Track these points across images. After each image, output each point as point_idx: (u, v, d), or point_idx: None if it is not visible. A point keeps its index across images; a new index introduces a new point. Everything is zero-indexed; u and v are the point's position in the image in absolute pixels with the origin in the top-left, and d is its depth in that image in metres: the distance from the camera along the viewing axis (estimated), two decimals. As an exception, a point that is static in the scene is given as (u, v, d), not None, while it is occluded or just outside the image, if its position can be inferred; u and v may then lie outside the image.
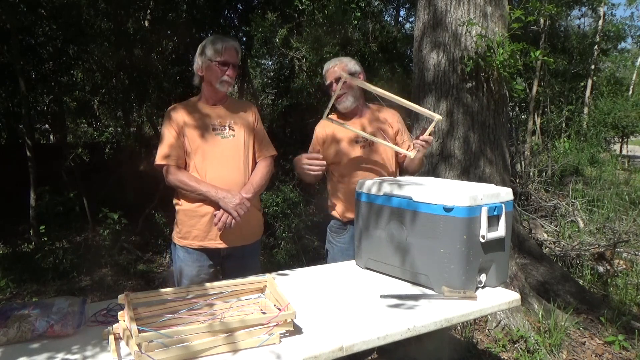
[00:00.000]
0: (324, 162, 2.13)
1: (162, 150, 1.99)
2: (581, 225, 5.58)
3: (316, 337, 1.32)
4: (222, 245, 2.00)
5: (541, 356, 2.79)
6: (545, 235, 5.17)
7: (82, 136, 8.71)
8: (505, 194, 1.75)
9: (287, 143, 5.72)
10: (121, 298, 1.37)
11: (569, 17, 13.85)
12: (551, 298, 3.34)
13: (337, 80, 2.21)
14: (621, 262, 4.47)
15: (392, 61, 6.46)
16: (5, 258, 4.79)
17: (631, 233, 5.11)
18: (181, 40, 6.27)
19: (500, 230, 1.70)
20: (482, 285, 1.72)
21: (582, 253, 4.42)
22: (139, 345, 1.14)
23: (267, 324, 1.26)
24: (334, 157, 2.33)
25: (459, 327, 3.02)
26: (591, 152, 10.52)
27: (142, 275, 4.48)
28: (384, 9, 8.19)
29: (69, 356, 1.21)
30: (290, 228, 4.69)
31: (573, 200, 6.21)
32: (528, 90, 9.49)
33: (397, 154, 2.32)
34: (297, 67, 6.22)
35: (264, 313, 1.39)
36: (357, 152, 2.30)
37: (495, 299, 1.65)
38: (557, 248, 4.63)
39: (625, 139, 15.54)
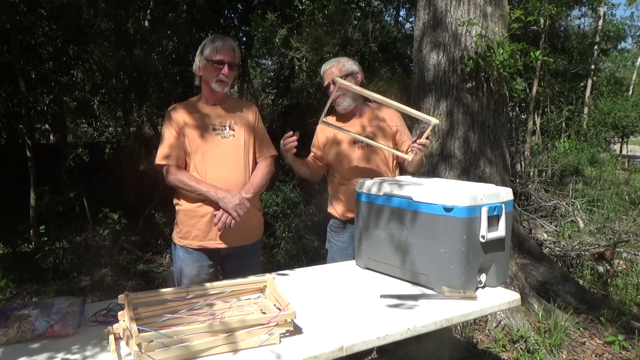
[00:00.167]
0: (295, 139, 2.09)
1: (162, 150, 1.99)
2: (581, 225, 5.58)
3: (316, 337, 1.32)
4: (222, 245, 2.00)
5: (541, 356, 2.79)
6: (545, 235, 5.17)
7: (82, 136, 8.71)
8: (505, 194, 1.75)
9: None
10: (121, 298, 1.37)
11: (569, 17, 13.86)
12: (551, 298, 3.34)
13: (335, 81, 2.21)
14: (621, 262, 4.47)
15: (392, 61, 6.46)
16: (5, 258, 4.79)
17: (631, 233, 5.11)
18: (181, 40, 6.28)
19: (500, 230, 1.70)
20: (482, 285, 1.72)
21: (582, 253, 4.41)
22: (139, 345, 1.14)
23: (267, 324, 1.26)
24: (335, 159, 2.34)
25: (459, 327, 3.01)
26: (591, 152, 10.52)
27: (142, 275, 4.48)
28: (384, 9, 8.19)
29: (69, 356, 1.21)
30: (290, 228, 4.69)
31: (573, 200, 6.22)
32: (528, 90, 9.49)
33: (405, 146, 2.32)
34: (297, 67, 6.22)
35: (264, 313, 1.39)
36: (357, 153, 2.30)
37: (495, 299, 1.65)
38: (557, 248, 4.63)
39: (625, 139, 15.54)
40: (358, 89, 2.11)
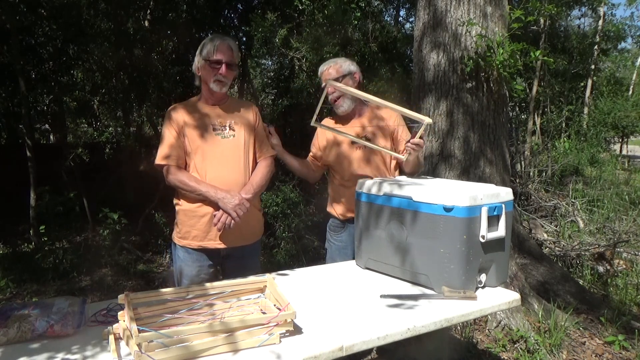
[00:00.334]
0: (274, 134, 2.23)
1: (162, 150, 1.99)
2: (581, 225, 5.58)
3: (316, 337, 1.32)
4: (222, 246, 2.00)
5: (541, 356, 2.79)
6: (545, 235, 5.17)
7: (82, 136, 8.72)
8: (505, 194, 1.75)
9: (287, 143, 5.70)
10: (121, 298, 1.37)
11: (569, 17, 13.86)
12: (551, 298, 3.34)
13: (328, 83, 2.22)
14: (621, 262, 4.47)
15: (392, 61, 6.46)
16: (5, 258, 4.79)
17: (631, 233, 5.11)
18: (181, 40, 6.28)
19: (500, 230, 1.70)
20: (482, 285, 1.72)
21: (582, 253, 4.41)
22: (139, 345, 1.14)
23: (267, 324, 1.26)
24: (335, 160, 2.34)
25: (459, 327, 3.01)
26: (591, 152, 10.52)
27: (142, 275, 4.48)
28: (384, 9, 8.19)
29: (69, 356, 1.21)
30: (290, 228, 4.69)
31: (573, 200, 6.22)
32: (528, 90, 9.49)
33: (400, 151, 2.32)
34: (297, 67, 6.22)
35: (264, 313, 1.39)
36: (356, 153, 2.30)
37: (495, 299, 1.65)
38: (557, 248, 4.63)
39: (625, 139, 15.54)
40: (351, 90, 2.11)
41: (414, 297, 1.61)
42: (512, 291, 1.76)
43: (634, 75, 20.17)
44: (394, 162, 2.35)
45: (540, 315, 3.12)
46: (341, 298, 1.64)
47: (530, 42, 4.20)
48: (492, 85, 3.21)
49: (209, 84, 2.00)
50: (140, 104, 6.20)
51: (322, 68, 2.34)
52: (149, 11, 6.15)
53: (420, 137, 2.06)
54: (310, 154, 2.48)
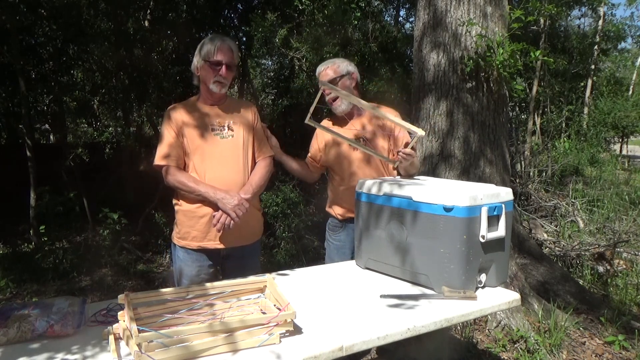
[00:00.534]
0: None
1: (161, 150, 1.98)
2: (581, 225, 5.58)
3: (316, 337, 1.32)
4: (221, 246, 2.00)
5: (541, 356, 2.79)
6: (545, 235, 5.17)
7: (82, 136, 8.72)
8: (505, 194, 1.75)
9: (287, 143, 5.71)
10: (121, 298, 1.37)
11: (569, 17, 13.85)
12: (551, 298, 3.34)
13: (330, 81, 2.22)
14: (621, 262, 4.47)
15: (392, 61, 6.45)
16: (5, 258, 4.79)
17: (631, 233, 5.11)
18: (181, 40, 6.27)
19: (500, 230, 1.70)
20: (482, 285, 1.72)
21: (582, 253, 4.41)
22: (139, 345, 1.14)
23: (267, 324, 1.26)
24: (335, 160, 2.34)
25: (459, 327, 3.01)
26: (591, 152, 10.52)
27: (142, 275, 4.48)
28: (384, 9, 8.18)
29: (69, 356, 1.21)
30: (290, 228, 4.69)
31: (573, 200, 6.22)
32: (528, 90, 9.49)
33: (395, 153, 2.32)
34: (297, 67, 6.22)
35: (264, 313, 1.39)
36: (356, 154, 2.30)
37: (495, 299, 1.65)
38: (557, 248, 4.63)
39: (625, 139, 15.54)
40: (342, 93, 2.12)
41: (414, 297, 1.61)
42: (512, 291, 1.76)
43: (634, 75, 20.17)
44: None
45: (540, 315, 3.12)
46: (341, 298, 1.64)
47: (530, 42, 4.20)
48: (492, 85, 3.21)
49: (208, 85, 1.99)
50: (140, 104, 6.20)
51: (320, 69, 2.34)
52: (149, 11, 6.15)
53: (412, 148, 2.05)
54: (309, 155, 2.48)
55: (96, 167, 5.88)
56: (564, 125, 12.05)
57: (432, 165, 3.27)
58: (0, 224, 5.52)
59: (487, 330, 3.05)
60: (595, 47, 13.82)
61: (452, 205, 1.60)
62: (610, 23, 14.79)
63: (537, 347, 2.85)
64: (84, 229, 5.44)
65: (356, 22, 5.69)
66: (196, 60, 2.02)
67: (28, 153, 5.17)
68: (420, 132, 1.94)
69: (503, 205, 1.70)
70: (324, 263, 2.34)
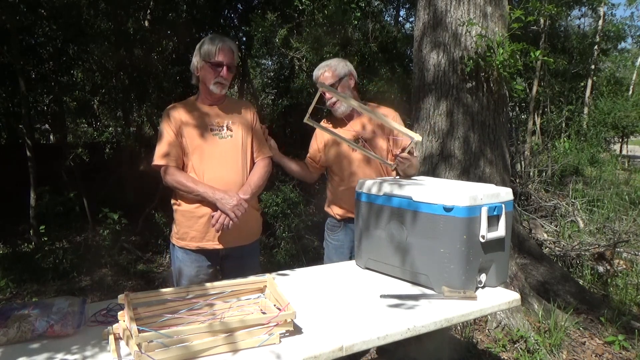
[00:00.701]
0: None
1: (160, 149, 1.98)
2: (581, 225, 5.58)
3: (316, 337, 1.32)
4: (220, 246, 2.00)
5: (541, 356, 2.79)
6: (545, 235, 5.17)
7: (82, 136, 8.71)
8: (505, 194, 1.75)
9: (287, 143, 5.72)
10: (121, 298, 1.37)
11: (569, 17, 13.85)
12: (551, 298, 3.34)
13: (330, 85, 2.22)
14: (621, 262, 4.47)
15: (392, 61, 6.45)
16: (5, 258, 4.79)
17: (631, 233, 5.11)
18: (181, 40, 6.27)
19: (500, 230, 1.70)
20: (482, 285, 1.72)
21: (582, 253, 4.41)
22: (139, 345, 1.14)
23: (267, 324, 1.26)
24: (335, 160, 2.34)
25: (459, 327, 3.01)
26: (591, 152, 10.52)
27: (142, 275, 4.48)
28: (384, 9, 8.18)
29: (69, 356, 1.21)
30: (290, 228, 4.69)
31: (573, 200, 6.21)
32: (528, 90, 9.49)
33: (394, 153, 2.32)
34: (297, 67, 6.22)
35: (264, 313, 1.39)
36: (356, 153, 2.30)
37: (495, 299, 1.65)
38: (557, 248, 4.63)
39: (625, 139, 15.54)
40: (342, 96, 2.12)
41: (414, 297, 1.61)
42: (512, 291, 1.76)
43: (634, 75, 20.18)
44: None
45: (540, 315, 3.12)
46: (341, 298, 1.64)
47: (530, 42, 4.20)
48: (492, 85, 3.21)
49: (208, 85, 1.99)
50: (140, 104, 6.20)
51: (318, 72, 2.31)
52: (149, 11, 6.15)
53: (410, 152, 2.05)
54: (308, 155, 2.48)
55: (96, 167, 5.89)
56: (564, 125, 12.06)
57: (432, 165, 3.27)
58: (0, 224, 5.52)
59: (487, 330, 3.05)
60: (595, 47, 13.83)
61: (452, 205, 1.60)
62: (610, 23, 14.80)
63: (537, 347, 2.85)
64: (84, 229, 5.44)
65: (356, 22, 5.69)
66: (196, 60, 2.01)
67: (28, 153, 5.17)
68: (416, 137, 1.93)
69: (503, 205, 1.70)
70: (323, 263, 2.34)
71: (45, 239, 4.89)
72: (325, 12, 5.33)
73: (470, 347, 2.87)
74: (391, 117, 2.32)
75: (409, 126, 3.40)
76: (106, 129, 7.04)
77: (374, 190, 1.89)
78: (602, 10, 14.05)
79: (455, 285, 1.62)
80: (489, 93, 3.22)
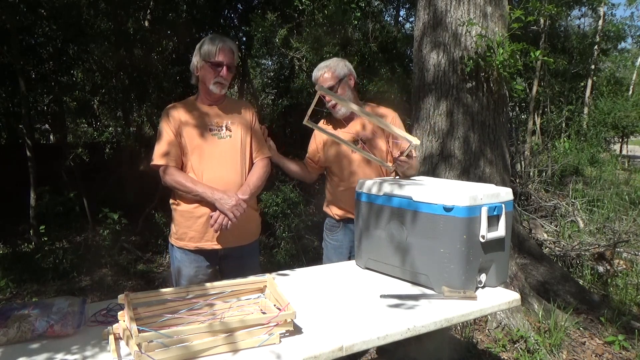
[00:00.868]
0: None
1: (160, 148, 1.97)
2: (581, 225, 5.58)
3: (316, 337, 1.32)
4: (219, 247, 1.99)
5: (541, 356, 2.79)
6: (545, 235, 5.17)
7: (82, 136, 8.71)
8: (505, 194, 1.75)
9: (287, 143, 5.72)
10: (121, 298, 1.37)
11: (569, 17, 13.85)
12: (551, 298, 3.34)
13: (330, 88, 2.22)
14: (621, 262, 4.47)
15: (392, 61, 6.45)
16: (5, 258, 4.79)
17: (631, 233, 5.11)
18: (181, 40, 6.28)
19: (500, 230, 1.70)
20: (482, 285, 1.72)
21: (582, 253, 4.41)
22: (139, 345, 1.14)
23: (267, 324, 1.26)
24: (334, 160, 2.34)
25: (459, 327, 3.01)
26: (591, 152, 10.53)
27: (142, 275, 4.48)
28: (384, 9, 8.18)
29: (68, 356, 1.21)
30: (290, 228, 4.69)
31: (573, 200, 6.22)
32: (528, 90, 9.49)
33: (393, 156, 2.32)
34: (297, 67, 6.22)
35: (264, 313, 1.39)
36: (355, 154, 2.30)
37: (495, 299, 1.65)
38: (557, 248, 4.63)
39: (625, 139, 15.54)
40: (340, 99, 2.12)
41: (414, 297, 1.61)
42: (512, 291, 1.76)
43: (634, 75, 20.18)
44: (392, 162, 2.35)
45: (540, 315, 3.12)
46: (341, 298, 1.64)
47: (530, 42, 4.20)
48: (492, 85, 3.21)
49: (208, 85, 1.99)
50: (140, 104, 6.20)
51: (317, 74, 2.30)
52: (149, 11, 6.15)
53: (408, 155, 2.05)
54: (307, 155, 2.47)
55: (96, 167, 5.89)
56: (564, 125, 12.06)
57: (432, 165, 3.27)
58: (0, 224, 5.52)
59: (487, 330, 3.05)
60: (595, 47, 13.83)
61: (452, 205, 1.60)
62: (610, 23, 14.80)
63: (537, 347, 2.85)
64: (84, 229, 5.45)
65: (356, 22, 5.69)
66: (196, 60, 2.01)
67: (28, 153, 5.17)
68: (415, 141, 1.93)
69: (503, 205, 1.70)
70: (322, 263, 2.34)
71: (45, 239, 4.90)
72: (325, 12, 5.33)
73: (470, 347, 2.87)
74: (391, 118, 2.32)
75: (409, 126, 3.40)
76: (106, 129, 7.04)
77: (374, 190, 1.89)
78: (602, 10, 14.05)
79: (455, 285, 1.62)
80: (489, 93, 3.22)
